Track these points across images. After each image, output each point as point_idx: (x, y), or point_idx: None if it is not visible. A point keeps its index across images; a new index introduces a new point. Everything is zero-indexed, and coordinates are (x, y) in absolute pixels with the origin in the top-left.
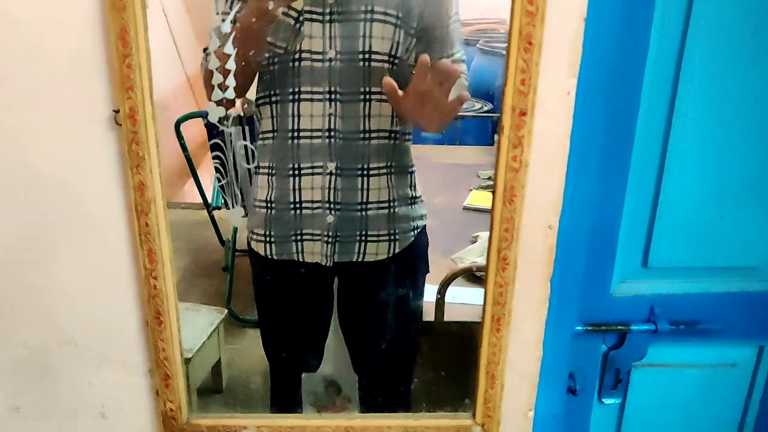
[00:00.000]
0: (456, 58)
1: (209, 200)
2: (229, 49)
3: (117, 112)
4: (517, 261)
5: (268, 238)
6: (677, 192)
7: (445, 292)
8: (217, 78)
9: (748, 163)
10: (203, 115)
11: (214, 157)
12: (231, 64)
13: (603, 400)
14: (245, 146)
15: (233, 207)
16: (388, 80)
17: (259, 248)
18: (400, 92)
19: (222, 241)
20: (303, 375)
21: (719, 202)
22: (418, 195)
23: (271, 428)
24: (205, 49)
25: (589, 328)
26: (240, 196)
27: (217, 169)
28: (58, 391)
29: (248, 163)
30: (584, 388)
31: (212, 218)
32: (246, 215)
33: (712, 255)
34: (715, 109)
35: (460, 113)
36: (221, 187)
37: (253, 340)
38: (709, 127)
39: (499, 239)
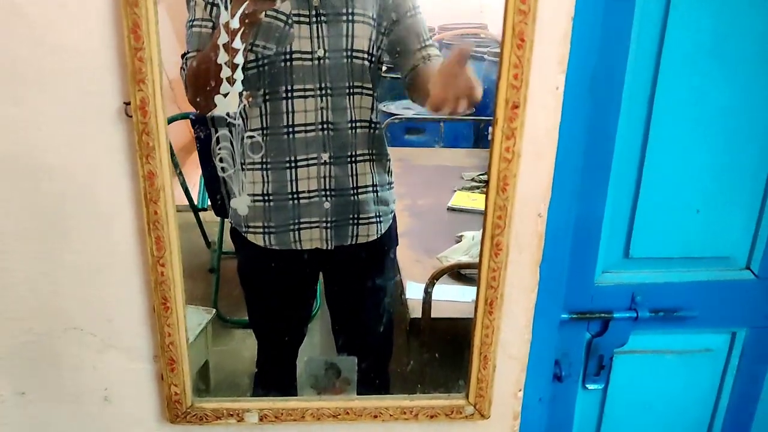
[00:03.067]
0: (429, 44)
1: (195, 202)
2: (238, 44)
3: (128, 104)
4: (509, 247)
5: (267, 229)
6: (656, 187)
7: (431, 289)
8: (226, 72)
9: (722, 159)
10: (188, 116)
11: (220, 149)
12: (239, 59)
13: (587, 385)
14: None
15: (239, 195)
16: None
17: (258, 240)
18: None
19: (208, 243)
20: (306, 358)
21: (695, 196)
22: (392, 181)
23: (273, 410)
24: (183, 54)
25: (574, 316)
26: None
27: (222, 159)
28: (62, 376)
29: (254, 153)
30: (569, 375)
31: (198, 220)
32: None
33: (688, 246)
34: (691, 109)
35: (441, 116)
36: (229, 176)
37: (240, 342)
38: (686, 125)
39: (492, 226)
